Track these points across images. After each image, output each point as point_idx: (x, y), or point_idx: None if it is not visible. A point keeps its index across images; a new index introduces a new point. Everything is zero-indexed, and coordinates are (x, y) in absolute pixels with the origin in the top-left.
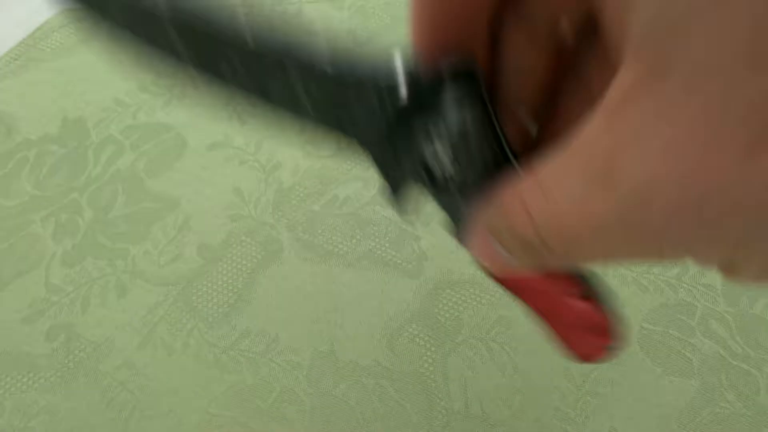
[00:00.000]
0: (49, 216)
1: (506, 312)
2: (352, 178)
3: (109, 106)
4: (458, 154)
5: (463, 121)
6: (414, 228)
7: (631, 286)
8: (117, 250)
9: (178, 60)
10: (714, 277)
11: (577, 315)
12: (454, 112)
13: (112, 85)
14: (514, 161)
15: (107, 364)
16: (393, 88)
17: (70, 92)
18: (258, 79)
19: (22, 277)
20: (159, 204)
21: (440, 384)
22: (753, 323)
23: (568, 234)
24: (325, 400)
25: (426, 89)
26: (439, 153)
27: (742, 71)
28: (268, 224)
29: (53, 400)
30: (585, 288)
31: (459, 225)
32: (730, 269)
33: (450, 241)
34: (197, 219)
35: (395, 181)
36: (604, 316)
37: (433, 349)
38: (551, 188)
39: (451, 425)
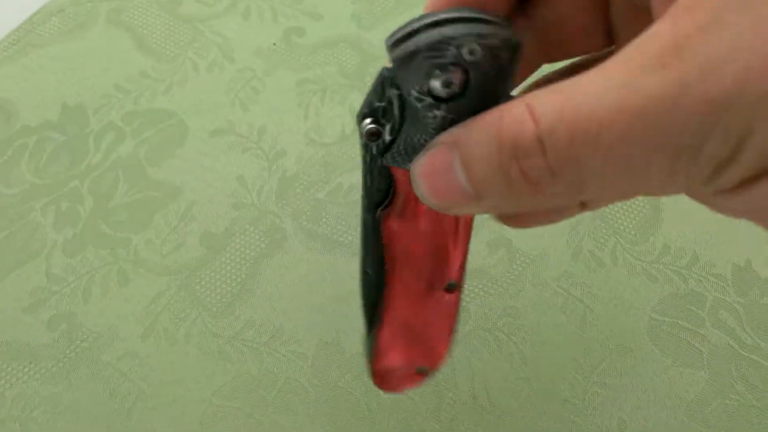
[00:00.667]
0: (49, 204)
1: (514, 302)
2: (357, 166)
3: (109, 92)
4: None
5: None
6: None
7: (640, 276)
8: (119, 239)
9: None
10: (724, 267)
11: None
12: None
13: (113, 70)
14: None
15: (109, 354)
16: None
17: (69, 78)
18: None
19: (23, 266)
20: (161, 192)
21: (447, 375)
22: (763, 314)
23: (587, 129)
24: (330, 391)
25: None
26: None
27: None
28: (272, 213)
29: (55, 390)
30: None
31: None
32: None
33: None
34: (200, 207)
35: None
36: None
37: None
38: (580, 84)
39: (458, 416)
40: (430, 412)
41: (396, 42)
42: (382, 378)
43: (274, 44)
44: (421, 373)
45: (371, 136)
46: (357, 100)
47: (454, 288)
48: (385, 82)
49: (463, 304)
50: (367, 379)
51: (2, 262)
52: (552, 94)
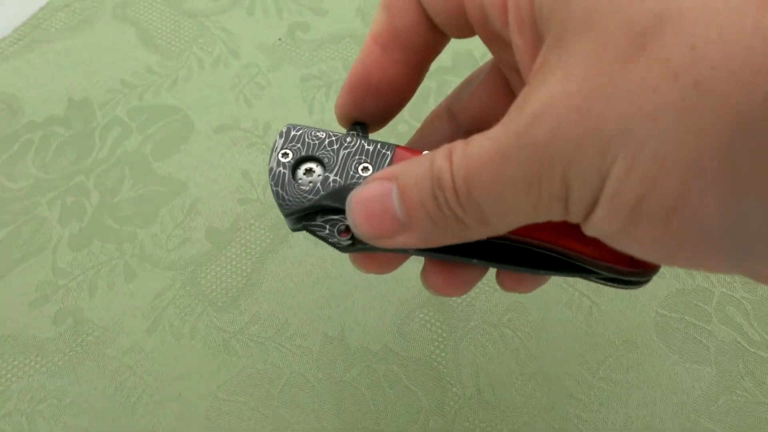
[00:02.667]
0: (55, 199)
1: (519, 298)
2: None
3: (115, 87)
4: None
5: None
6: None
7: None
8: (124, 234)
9: None
10: None
11: None
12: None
13: (118, 65)
14: None
15: (115, 348)
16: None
17: (75, 73)
18: None
19: (29, 260)
20: (166, 187)
21: (452, 370)
22: None
23: (475, 165)
24: (335, 386)
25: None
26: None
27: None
28: (277, 208)
29: (61, 383)
30: None
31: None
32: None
33: None
34: (205, 202)
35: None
36: None
37: (444, 335)
38: (474, 139)
39: (462, 411)
40: (435, 407)
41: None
42: (635, 263)
43: (279, 40)
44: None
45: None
46: None
47: None
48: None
49: (468, 299)
50: (371, 374)
51: (8, 257)
52: (463, 143)
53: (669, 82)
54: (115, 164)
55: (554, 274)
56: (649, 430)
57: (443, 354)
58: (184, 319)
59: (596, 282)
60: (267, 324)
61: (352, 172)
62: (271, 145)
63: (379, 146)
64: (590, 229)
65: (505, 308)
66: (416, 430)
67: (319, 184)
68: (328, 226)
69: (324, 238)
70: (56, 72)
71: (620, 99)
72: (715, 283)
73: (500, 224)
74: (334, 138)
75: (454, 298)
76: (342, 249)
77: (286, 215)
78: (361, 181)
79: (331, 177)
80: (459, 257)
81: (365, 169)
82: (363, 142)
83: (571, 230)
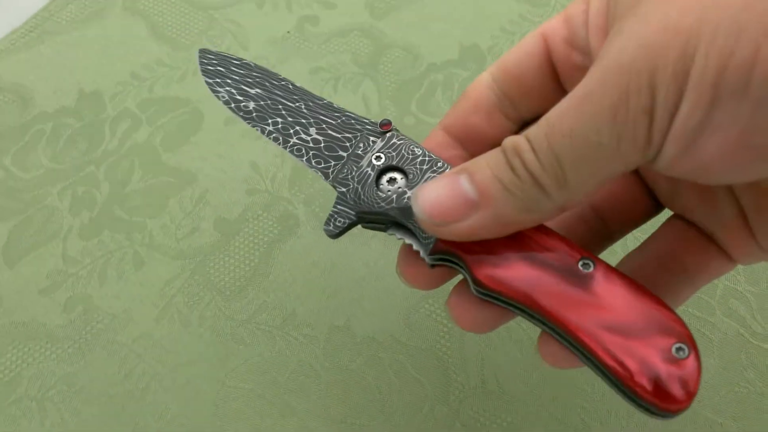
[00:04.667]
0: (65, 189)
1: None
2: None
3: (125, 79)
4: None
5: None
6: None
7: None
8: (134, 224)
9: None
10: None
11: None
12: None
13: (128, 57)
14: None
15: (125, 336)
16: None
17: (86, 65)
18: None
19: (40, 249)
20: (176, 178)
21: (457, 360)
22: None
23: (555, 119)
24: (341, 374)
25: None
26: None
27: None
28: (285, 199)
29: (71, 370)
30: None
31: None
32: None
33: None
34: (214, 193)
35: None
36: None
37: (449, 325)
38: (551, 110)
39: (467, 401)
40: (439, 396)
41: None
42: (658, 395)
43: (288, 32)
44: (680, 353)
45: None
46: (370, 88)
47: (589, 264)
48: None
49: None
50: (377, 363)
51: (19, 245)
52: (540, 120)
53: None
54: (125, 155)
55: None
56: (652, 420)
57: (448, 344)
58: (193, 307)
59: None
60: (274, 313)
61: None
62: None
63: None
64: (673, 140)
65: None
66: (421, 419)
67: (394, 196)
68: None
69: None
70: (67, 63)
71: (693, 1)
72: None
73: (579, 181)
74: (426, 158)
75: None
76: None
77: (358, 214)
78: None
79: (409, 193)
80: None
81: None
82: (446, 166)
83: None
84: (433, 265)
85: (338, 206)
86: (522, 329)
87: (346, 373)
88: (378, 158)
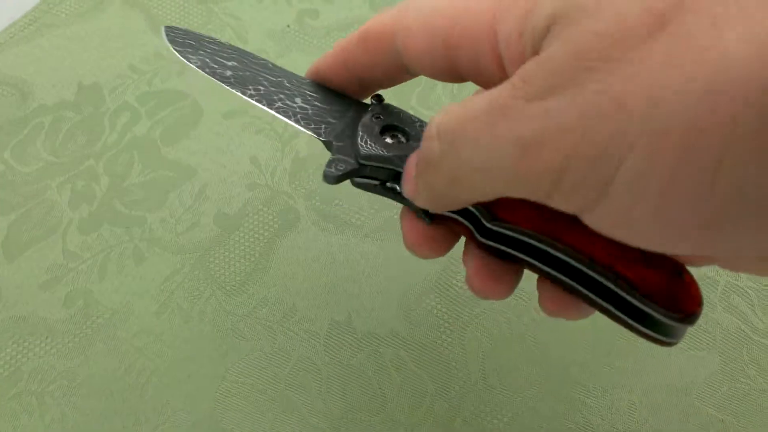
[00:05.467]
0: (65, 183)
1: (525, 284)
2: None
3: (124, 73)
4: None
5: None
6: None
7: None
8: (134, 218)
9: None
10: None
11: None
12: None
13: (127, 51)
14: None
15: (125, 331)
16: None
17: (85, 58)
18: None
19: (39, 243)
20: (175, 172)
21: (458, 355)
22: None
23: (463, 114)
24: (342, 370)
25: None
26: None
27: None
28: (285, 193)
29: (71, 365)
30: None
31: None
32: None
33: None
34: (214, 187)
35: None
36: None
37: (450, 320)
38: (469, 100)
39: (468, 396)
40: (440, 391)
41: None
42: (674, 302)
43: (288, 26)
44: (680, 274)
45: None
46: None
47: None
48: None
49: None
50: (378, 358)
51: (19, 239)
52: (459, 104)
53: (695, 57)
54: (125, 149)
55: (587, 293)
56: (653, 417)
57: (449, 339)
58: (193, 302)
59: (632, 329)
60: (275, 308)
61: None
62: (280, 131)
63: None
64: (600, 215)
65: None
66: (422, 414)
67: (400, 147)
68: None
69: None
70: (66, 57)
71: (644, 75)
72: (720, 272)
73: (469, 184)
74: (423, 122)
75: (460, 285)
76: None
77: (363, 157)
78: None
79: (413, 145)
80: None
81: None
82: None
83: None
84: (431, 221)
85: (338, 155)
86: (523, 324)
87: (346, 368)
88: (378, 117)
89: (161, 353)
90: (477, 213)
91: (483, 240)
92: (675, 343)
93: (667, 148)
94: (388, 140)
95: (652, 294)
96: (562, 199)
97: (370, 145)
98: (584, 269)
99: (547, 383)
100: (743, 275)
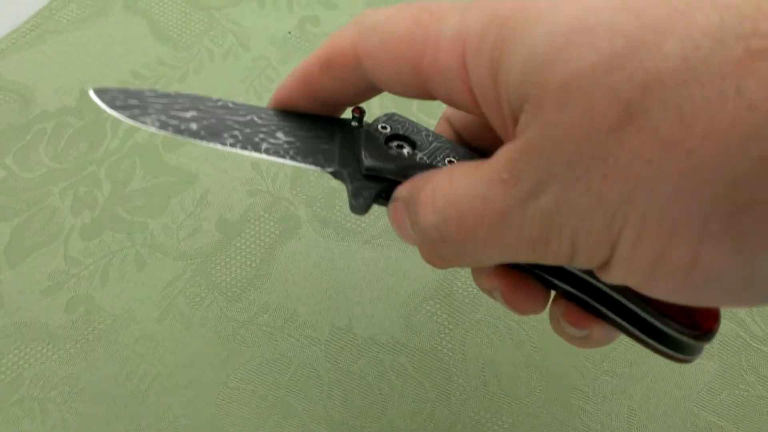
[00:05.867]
0: (67, 188)
1: None
2: None
3: (126, 79)
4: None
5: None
6: None
7: None
8: (136, 224)
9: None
10: None
11: None
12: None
13: (130, 57)
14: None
15: (126, 337)
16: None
17: (87, 64)
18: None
19: (41, 249)
20: (177, 178)
21: (458, 361)
22: None
23: (464, 221)
24: (343, 376)
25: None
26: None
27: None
28: (287, 200)
29: (72, 371)
30: None
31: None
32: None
33: None
34: (215, 194)
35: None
36: None
37: (450, 327)
38: (458, 179)
39: (468, 402)
40: (440, 398)
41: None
42: (692, 318)
43: (289, 33)
44: None
45: None
46: None
47: None
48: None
49: (474, 292)
50: (378, 364)
51: (21, 245)
52: (444, 187)
53: (662, 154)
54: (127, 155)
55: (611, 317)
56: (653, 423)
57: (449, 346)
58: (195, 308)
59: (648, 346)
60: (276, 314)
61: (437, 160)
62: None
63: (471, 155)
64: (608, 279)
65: None
66: (422, 420)
67: (406, 158)
68: None
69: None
70: (68, 63)
71: (618, 169)
72: None
73: (492, 262)
74: (431, 132)
75: (460, 291)
76: None
77: (367, 168)
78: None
79: (419, 155)
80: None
81: (450, 162)
82: (458, 145)
83: None
84: None
85: (356, 182)
86: (523, 330)
87: (347, 374)
88: (384, 128)
89: (162, 359)
90: None
91: None
92: (691, 360)
93: (648, 239)
94: (393, 151)
95: (668, 310)
96: (577, 267)
97: (375, 156)
98: (600, 286)
99: (546, 390)
100: None
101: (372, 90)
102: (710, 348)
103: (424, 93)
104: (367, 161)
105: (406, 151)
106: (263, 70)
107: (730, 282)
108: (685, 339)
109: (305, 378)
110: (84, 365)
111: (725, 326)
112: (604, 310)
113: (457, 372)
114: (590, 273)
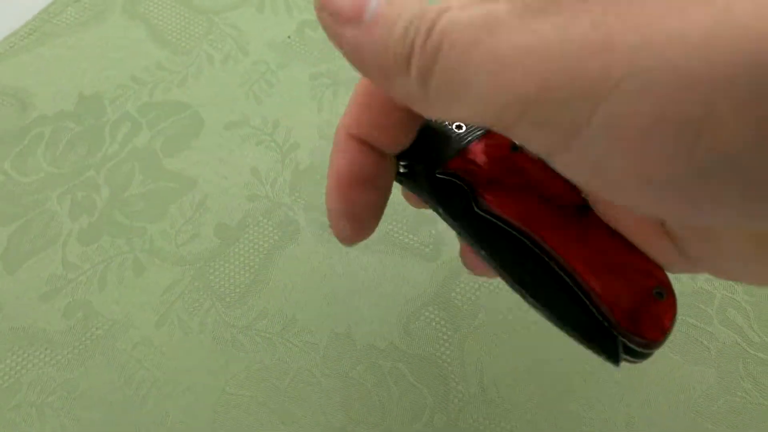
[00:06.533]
0: (65, 193)
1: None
2: None
3: (125, 83)
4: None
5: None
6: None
7: None
8: (134, 229)
9: None
10: None
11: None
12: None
13: (129, 61)
14: None
15: (125, 342)
16: None
17: (85, 68)
18: None
19: (39, 254)
20: (176, 183)
21: (456, 367)
22: None
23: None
24: (341, 382)
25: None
26: None
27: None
28: (285, 205)
29: (71, 376)
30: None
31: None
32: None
33: None
34: (214, 199)
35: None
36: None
37: (449, 333)
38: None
39: (466, 408)
40: (439, 404)
41: None
42: (635, 325)
43: (289, 37)
44: (659, 296)
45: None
46: None
47: (584, 207)
48: None
49: (473, 298)
50: (377, 370)
51: (19, 250)
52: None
53: (699, 4)
54: (125, 160)
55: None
56: (651, 430)
57: (448, 352)
58: (193, 313)
59: (586, 347)
60: (274, 320)
61: (443, 122)
62: (280, 143)
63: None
64: (572, 156)
65: (510, 306)
66: (420, 427)
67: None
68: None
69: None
70: (67, 67)
71: (641, 17)
72: (716, 286)
73: (443, 100)
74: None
75: (459, 297)
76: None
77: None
78: (447, 134)
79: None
80: (473, 244)
81: (458, 126)
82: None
83: (584, 250)
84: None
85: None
86: (522, 337)
87: (346, 380)
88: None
89: (161, 365)
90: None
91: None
92: (617, 364)
93: (654, 94)
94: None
95: (618, 319)
96: (525, 134)
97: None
98: (558, 272)
99: (545, 396)
100: (739, 288)
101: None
102: (708, 355)
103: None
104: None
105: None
106: (263, 75)
107: (740, 160)
108: (628, 344)
109: (304, 384)
110: (82, 371)
111: (723, 333)
112: (539, 293)
113: (455, 378)
114: (550, 252)
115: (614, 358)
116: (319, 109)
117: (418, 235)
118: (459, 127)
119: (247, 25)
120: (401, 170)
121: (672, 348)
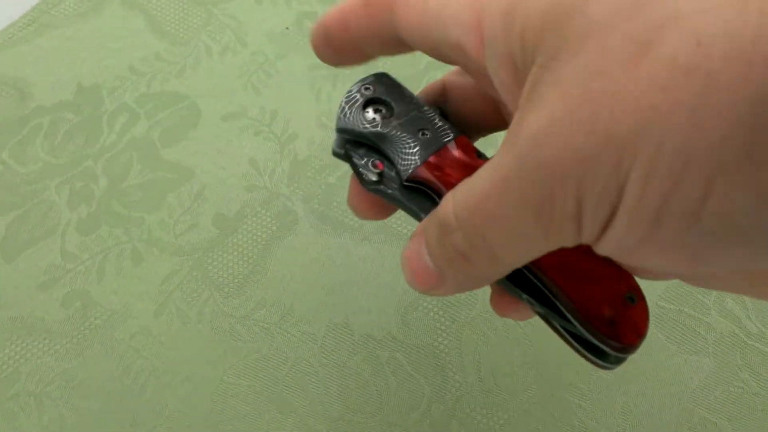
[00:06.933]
0: (63, 183)
1: None
2: None
3: (123, 74)
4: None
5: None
6: None
7: None
8: (132, 219)
9: None
10: None
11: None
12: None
13: (127, 52)
14: None
15: (123, 332)
16: None
17: (84, 59)
18: None
19: (38, 244)
20: (174, 173)
21: (454, 357)
22: None
23: (478, 197)
24: (339, 371)
25: None
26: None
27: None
28: (284, 196)
29: (69, 366)
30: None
31: None
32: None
33: None
34: (212, 189)
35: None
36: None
37: (447, 323)
38: (475, 174)
39: (464, 398)
40: (436, 394)
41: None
42: (612, 330)
43: (287, 29)
44: (631, 300)
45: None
46: None
47: None
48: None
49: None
50: (375, 360)
51: (17, 240)
52: (465, 182)
53: (679, 79)
54: (123, 150)
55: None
56: (648, 419)
57: (446, 342)
58: (191, 303)
59: (574, 349)
60: (272, 310)
61: (410, 130)
62: (278, 133)
63: (447, 128)
64: (606, 244)
65: None
66: (418, 416)
67: (380, 123)
68: (365, 159)
69: (356, 166)
70: (65, 57)
71: (630, 102)
72: None
73: (510, 258)
74: (414, 99)
75: None
76: (367, 183)
77: (338, 129)
78: (413, 142)
79: (393, 123)
80: (512, 290)
81: (423, 134)
82: (437, 117)
83: (567, 268)
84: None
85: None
86: (519, 327)
87: (343, 370)
88: (367, 89)
89: (159, 354)
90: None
91: None
92: (609, 369)
93: (658, 175)
94: (370, 114)
95: (591, 316)
96: (590, 239)
97: (351, 118)
98: (532, 278)
99: (542, 386)
100: None
101: (398, 43)
102: (705, 345)
103: (438, 49)
104: (341, 122)
105: (381, 116)
106: (261, 66)
107: (743, 225)
108: (604, 348)
109: (302, 374)
110: (80, 360)
111: (720, 323)
112: (529, 298)
113: (453, 368)
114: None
115: (606, 363)
116: (317, 99)
117: (416, 225)
118: (424, 134)
119: (245, 16)
120: (373, 178)
121: (669, 338)
